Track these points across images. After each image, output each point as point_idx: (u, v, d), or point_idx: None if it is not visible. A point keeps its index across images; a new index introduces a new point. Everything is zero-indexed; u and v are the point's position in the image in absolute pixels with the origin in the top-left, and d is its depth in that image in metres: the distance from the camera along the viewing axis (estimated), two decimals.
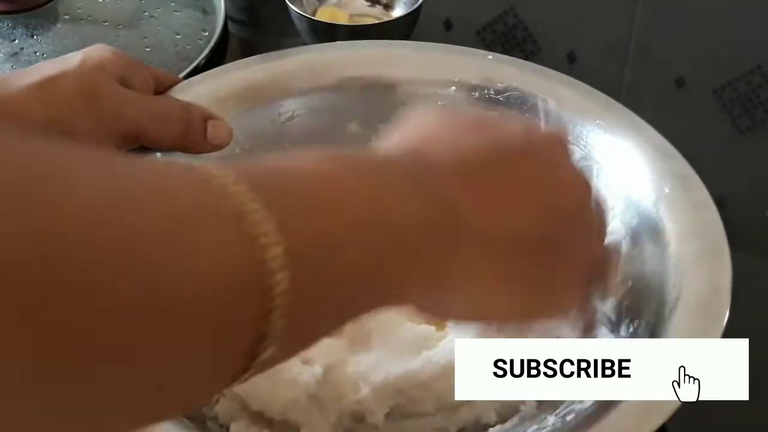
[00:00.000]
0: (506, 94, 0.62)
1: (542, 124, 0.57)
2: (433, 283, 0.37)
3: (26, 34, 0.78)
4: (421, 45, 0.66)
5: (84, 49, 0.57)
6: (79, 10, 0.81)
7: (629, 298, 0.54)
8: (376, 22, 0.80)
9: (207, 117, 0.59)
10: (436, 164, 0.37)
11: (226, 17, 0.80)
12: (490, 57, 0.64)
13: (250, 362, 0.29)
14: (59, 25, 0.80)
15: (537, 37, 0.82)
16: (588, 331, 0.46)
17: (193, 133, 0.58)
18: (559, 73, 0.62)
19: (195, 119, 0.58)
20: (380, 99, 0.64)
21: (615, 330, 0.53)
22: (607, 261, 0.46)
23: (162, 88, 0.61)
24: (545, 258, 0.40)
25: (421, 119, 0.41)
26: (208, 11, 0.81)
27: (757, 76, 0.78)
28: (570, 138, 0.47)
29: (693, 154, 0.57)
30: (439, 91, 0.63)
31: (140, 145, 0.58)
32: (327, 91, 0.64)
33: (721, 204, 0.54)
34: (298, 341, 0.32)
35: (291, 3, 0.77)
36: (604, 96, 0.60)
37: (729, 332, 0.47)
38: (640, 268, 0.54)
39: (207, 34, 0.79)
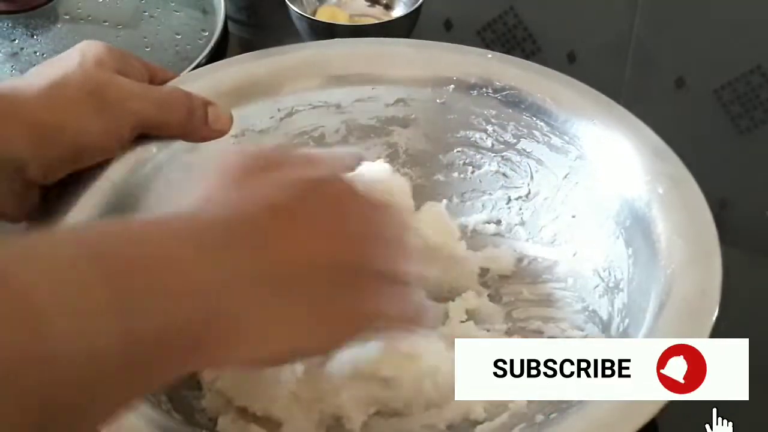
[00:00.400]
0: (504, 92, 0.62)
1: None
2: (230, 335, 0.38)
3: (26, 34, 0.78)
4: (421, 43, 0.66)
5: (76, 47, 0.57)
6: (79, 10, 0.81)
7: (621, 298, 0.54)
8: (376, 22, 0.80)
9: (207, 103, 0.59)
10: (218, 219, 0.39)
11: (226, 17, 0.80)
12: (490, 56, 0.64)
13: None
14: (59, 25, 0.80)
15: (537, 37, 0.82)
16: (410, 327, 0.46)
17: (195, 119, 0.58)
18: (558, 73, 0.62)
19: (196, 105, 0.59)
20: (379, 96, 0.64)
21: (606, 330, 0.54)
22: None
23: (157, 81, 0.61)
24: (343, 283, 0.41)
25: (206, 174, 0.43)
26: (208, 11, 0.81)
27: (757, 76, 0.78)
28: (356, 163, 0.49)
29: (693, 154, 0.57)
30: (438, 89, 0.63)
31: (143, 133, 0.58)
32: (326, 87, 0.64)
33: (721, 204, 0.54)
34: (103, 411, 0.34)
35: (291, 3, 0.77)
36: (602, 96, 0.60)
37: (728, 332, 0.47)
38: (632, 269, 0.54)
39: (207, 34, 0.79)
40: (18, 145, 0.52)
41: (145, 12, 0.81)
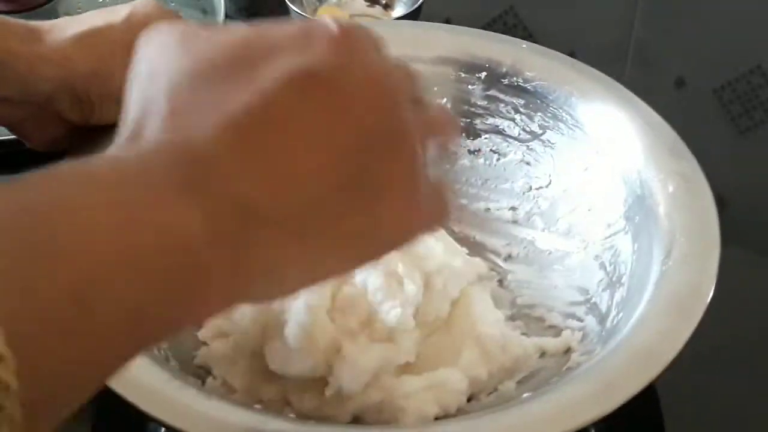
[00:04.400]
0: (534, 83, 0.62)
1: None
2: (236, 284, 0.32)
3: None
4: (456, 28, 0.67)
5: (131, 2, 0.58)
6: (79, 10, 0.81)
7: (621, 292, 0.54)
8: None
9: None
10: (201, 148, 0.31)
11: (226, 17, 0.80)
12: (524, 45, 0.65)
13: None
14: None
15: (537, 36, 0.82)
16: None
17: None
18: (589, 67, 0.63)
19: None
20: None
21: (602, 322, 0.54)
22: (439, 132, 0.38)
23: None
24: (364, 201, 0.34)
25: (161, 56, 0.34)
26: (208, 11, 0.81)
27: (757, 76, 0.78)
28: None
29: (693, 153, 0.57)
30: (470, 75, 0.64)
31: None
32: None
33: (721, 204, 0.55)
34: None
35: (291, 3, 0.77)
36: (627, 91, 0.61)
37: (730, 329, 0.47)
38: (635, 264, 0.54)
39: None
40: (45, 78, 0.53)
41: None
